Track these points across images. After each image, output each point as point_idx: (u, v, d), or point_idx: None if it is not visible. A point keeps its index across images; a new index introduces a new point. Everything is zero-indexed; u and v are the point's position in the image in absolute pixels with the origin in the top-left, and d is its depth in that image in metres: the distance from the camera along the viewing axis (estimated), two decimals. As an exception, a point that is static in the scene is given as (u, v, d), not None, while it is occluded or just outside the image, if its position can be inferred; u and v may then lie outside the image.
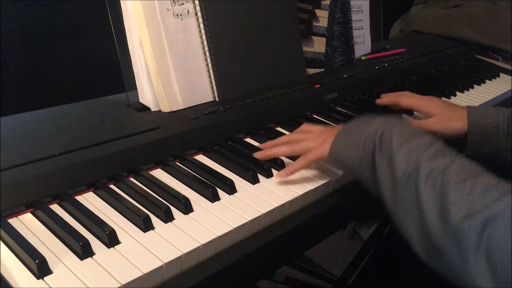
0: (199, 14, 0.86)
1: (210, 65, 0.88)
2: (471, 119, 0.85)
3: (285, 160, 0.78)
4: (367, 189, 0.67)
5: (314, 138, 0.76)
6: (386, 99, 1.00)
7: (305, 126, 0.81)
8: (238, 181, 0.71)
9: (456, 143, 0.76)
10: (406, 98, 0.97)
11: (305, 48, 1.07)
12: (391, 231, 1.32)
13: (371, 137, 0.66)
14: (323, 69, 1.13)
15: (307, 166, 0.74)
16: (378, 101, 1.01)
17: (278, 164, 0.76)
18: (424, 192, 0.56)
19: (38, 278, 0.50)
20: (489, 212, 0.49)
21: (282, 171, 0.74)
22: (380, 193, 0.64)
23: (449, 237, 0.52)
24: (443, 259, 0.53)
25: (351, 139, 0.69)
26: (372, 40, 1.30)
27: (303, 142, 0.76)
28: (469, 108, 0.87)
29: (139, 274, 0.52)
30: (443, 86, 1.22)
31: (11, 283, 0.50)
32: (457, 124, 0.85)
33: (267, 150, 0.77)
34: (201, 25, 0.87)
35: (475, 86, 1.29)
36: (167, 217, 0.61)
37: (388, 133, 0.64)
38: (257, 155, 0.77)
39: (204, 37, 0.87)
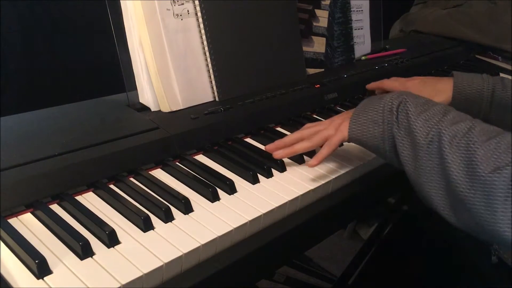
0: (199, 14, 0.86)
1: (210, 65, 0.88)
2: (456, 87, 0.88)
3: (286, 160, 0.78)
4: (391, 163, 0.69)
5: (328, 127, 0.76)
6: (372, 84, 1.05)
7: (309, 124, 0.81)
8: (238, 181, 0.71)
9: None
10: (389, 82, 1.01)
11: (305, 48, 1.07)
12: (391, 231, 1.32)
13: (389, 109, 0.68)
14: (323, 69, 1.13)
15: (333, 151, 0.75)
16: (366, 86, 1.06)
17: (278, 164, 0.76)
18: (449, 154, 0.58)
19: (38, 278, 0.50)
20: None
21: (311, 161, 0.74)
22: (401, 164, 0.66)
23: (478, 190, 0.55)
24: (470, 213, 0.56)
25: (368, 117, 0.70)
26: (372, 40, 1.30)
27: (319, 133, 0.76)
28: (456, 75, 0.89)
29: (139, 274, 0.52)
30: (443, 86, 1.22)
31: (11, 283, 0.50)
32: (439, 98, 0.87)
33: (286, 149, 0.76)
34: (201, 25, 0.87)
35: (475, 86, 1.29)
36: (167, 217, 0.61)
37: (404, 104, 0.67)
38: (277, 154, 0.76)
39: (204, 37, 0.87)
